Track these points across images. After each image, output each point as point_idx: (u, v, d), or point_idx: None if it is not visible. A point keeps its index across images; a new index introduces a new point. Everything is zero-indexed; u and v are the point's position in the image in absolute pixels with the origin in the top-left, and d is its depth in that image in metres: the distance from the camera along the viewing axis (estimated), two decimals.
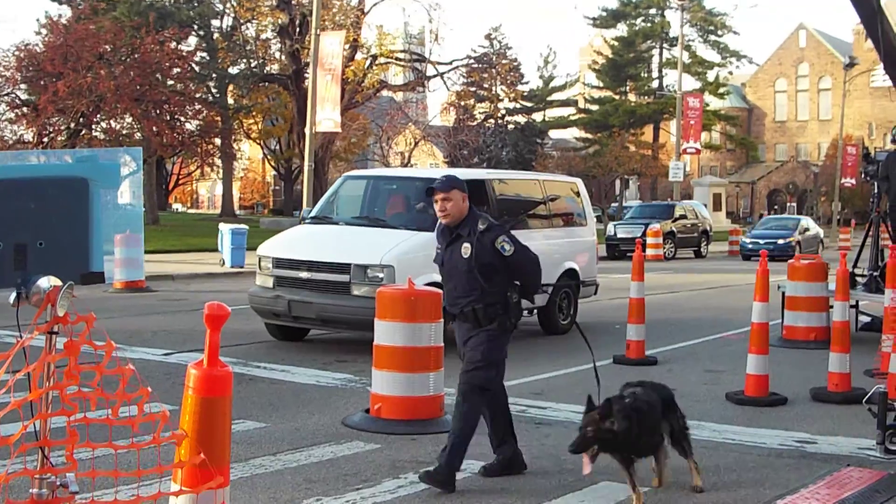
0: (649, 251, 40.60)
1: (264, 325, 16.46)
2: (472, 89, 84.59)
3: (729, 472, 9.04)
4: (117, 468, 3.41)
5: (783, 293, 17.50)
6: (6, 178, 3.30)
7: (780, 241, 46.44)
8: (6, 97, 52.51)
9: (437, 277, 12.89)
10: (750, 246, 46.79)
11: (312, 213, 17.97)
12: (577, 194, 20.05)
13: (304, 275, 15.60)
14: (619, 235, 45.41)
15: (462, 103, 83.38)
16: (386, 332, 10.60)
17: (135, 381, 3.47)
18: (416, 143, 78.10)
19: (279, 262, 15.99)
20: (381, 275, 14.78)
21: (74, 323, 3.08)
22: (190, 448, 3.51)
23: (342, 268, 15.12)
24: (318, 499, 8.01)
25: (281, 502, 7.85)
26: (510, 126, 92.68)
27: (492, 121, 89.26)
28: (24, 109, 51.86)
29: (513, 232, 16.96)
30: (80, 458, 3.35)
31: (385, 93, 76.39)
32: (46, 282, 3.18)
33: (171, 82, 55.24)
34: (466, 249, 8.59)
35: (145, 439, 3.62)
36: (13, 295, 3.31)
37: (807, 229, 49.88)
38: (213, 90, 70.15)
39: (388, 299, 10.68)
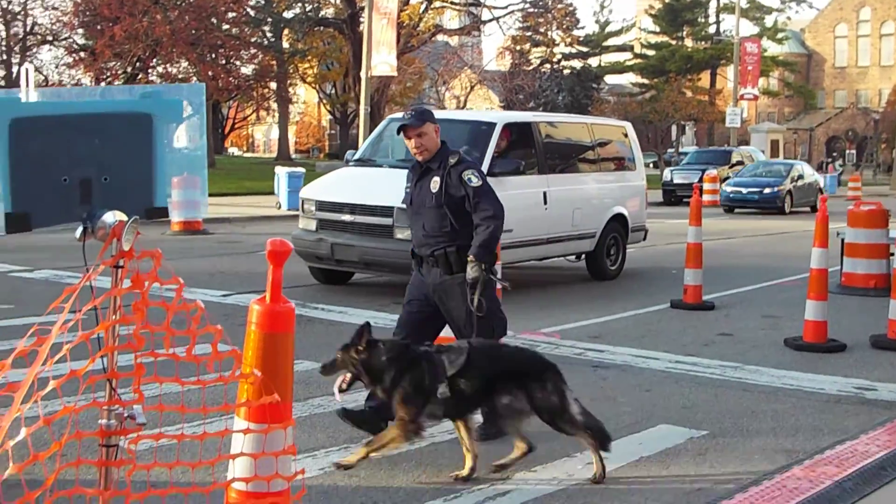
0: (706, 197, 38.99)
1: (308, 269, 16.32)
2: (528, 34, 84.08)
3: (787, 417, 8.98)
4: (184, 404, 3.42)
5: (842, 240, 17.30)
6: (71, 114, 3.32)
7: (767, 191, 40.46)
8: (64, 42, 52.81)
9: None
10: (731, 195, 40.75)
11: (357, 156, 17.70)
12: (627, 138, 19.64)
13: (346, 218, 15.43)
14: (675, 181, 44.44)
15: (517, 48, 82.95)
16: None
17: (197, 319, 3.48)
18: (471, 88, 77.84)
19: (322, 205, 15.82)
20: None
21: (140, 258, 3.09)
22: (258, 387, 3.52)
23: (385, 211, 14.88)
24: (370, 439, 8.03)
25: (339, 441, 7.88)
26: (566, 71, 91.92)
27: (547, 66, 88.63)
28: (82, 54, 52.14)
29: (562, 175, 17.03)
30: (147, 394, 3.36)
31: (440, 37, 76.09)
32: (112, 216, 3.19)
33: (226, 26, 55.29)
34: (435, 183, 8.18)
35: (212, 377, 3.64)
36: (79, 229, 3.32)
37: (800, 176, 42.76)
38: (269, 34, 70.11)
39: None
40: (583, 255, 18.06)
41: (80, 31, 52.79)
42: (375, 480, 7.09)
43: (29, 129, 3.15)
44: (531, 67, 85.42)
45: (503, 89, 79.10)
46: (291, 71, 75.44)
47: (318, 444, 7.87)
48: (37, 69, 52.23)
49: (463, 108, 76.18)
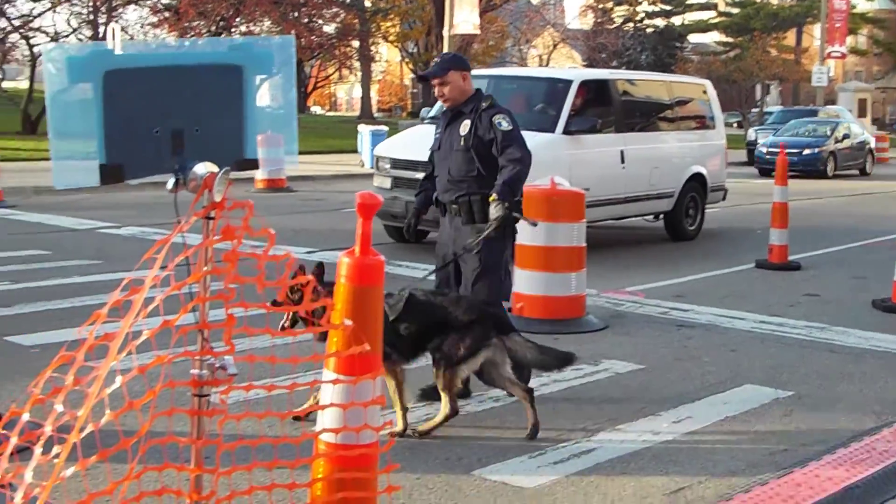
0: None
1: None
2: None
3: (875, 379, 8.87)
4: (274, 356, 3.44)
5: None
6: (162, 65, 3.34)
7: (806, 152, 36.34)
8: (149, 2, 53.17)
9: (558, 180, 12.81)
10: (767, 156, 35.18)
11: (431, 113, 17.24)
12: (706, 96, 19.18)
13: (421, 175, 15.22)
14: (759, 141, 43.81)
15: (600, 6, 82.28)
16: (528, 231, 10.57)
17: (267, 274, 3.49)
18: (554, 47, 77.40)
19: (397, 163, 15.65)
20: None
21: (231, 209, 3.11)
22: (348, 338, 3.53)
23: None
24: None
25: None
26: (649, 30, 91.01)
27: (630, 24, 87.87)
28: (166, 14, 52.49)
29: (640, 134, 16.89)
30: (238, 347, 3.39)
31: None
32: (203, 168, 3.21)
33: None
34: (465, 126, 7.96)
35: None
36: (171, 180, 3.34)
37: (846, 136, 38.50)
38: None
39: (530, 198, 10.63)
40: (661, 215, 17.88)
41: None
42: (461, 436, 7.11)
43: (122, 81, 3.18)
44: (614, 26, 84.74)
45: (586, 48, 78.59)
46: (374, 29, 75.40)
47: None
48: (122, 29, 52.71)
49: (546, 66, 75.76)
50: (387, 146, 16.67)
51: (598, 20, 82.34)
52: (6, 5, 51.97)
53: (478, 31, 42.39)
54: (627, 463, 6.67)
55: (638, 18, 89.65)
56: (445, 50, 35.83)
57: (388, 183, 15.75)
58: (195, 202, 3.16)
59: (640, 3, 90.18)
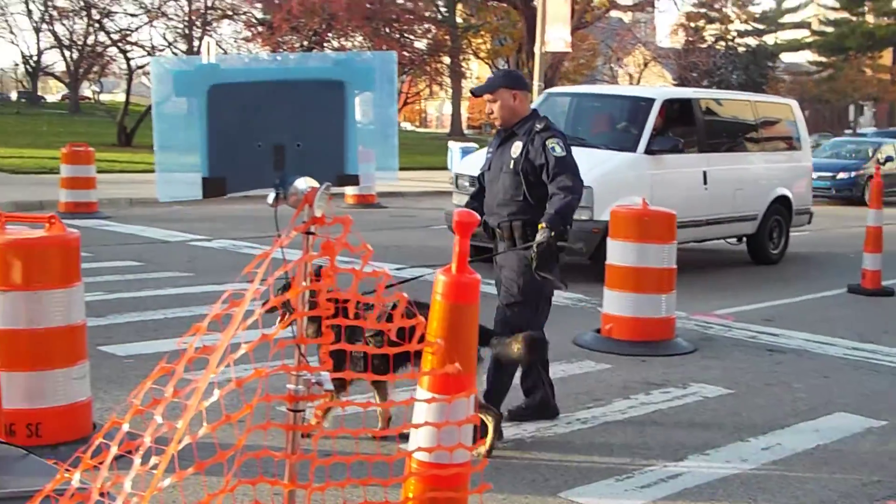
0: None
1: None
2: (702, 10, 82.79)
3: None
4: (370, 371, 3.45)
5: None
6: (266, 80, 3.37)
7: (841, 175, 32.52)
8: (243, 16, 53.73)
9: (639, 200, 12.59)
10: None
11: None
12: (793, 116, 18.68)
13: None
14: None
15: (692, 25, 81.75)
16: (618, 252, 10.54)
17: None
18: (645, 65, 77.07)
19: (476, 181, 15.28)
20: None
21: (331, 224, 3.12)
22: (442, 356, 3.52)
23: None
24: None
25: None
26: (741, 49, 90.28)
27: (722, 43, 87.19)
28: (260, 28, 53.00)
29: (723, 154, 16.58)
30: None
31: (613, 13, 75.42)
32: (304, 183, 3.22)
33: (400, 0, 55.61)
34: (517, 148, 7.51)
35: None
36: (272, 195, 3.37)
37: (890, 158, 33.81)
38: (442, 9, 70.38)
39: (621, 218, 10.61)
40: (743, 238, 17.53)
41: (259, 5, 53.67)
42: (547, 457, 7.09)
43: (226, 95, 3.21)
44: (705, 45, 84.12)
45: (677, 67, 78.07)
46: (465, 46, 75.58)
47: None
48: (217, 43, 53.33)
49: (637, 85, 75.43)
50: (466, 164, 16.56)
51: (690, 39, 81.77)
52: (105, 20, 52.85)
53: (569, 49, 42.23)
54: (715, 490, 6.61)
55: (730, 37, 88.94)
56: (536, 67, 35.79)
57: (465, 201, 15.53)
58: (295, 217, 3.18)
59: (733, 22, 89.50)
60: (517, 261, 7.52)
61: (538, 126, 7.57)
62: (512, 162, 7.56)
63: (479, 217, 3.98)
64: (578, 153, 15.14)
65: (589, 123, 16.77)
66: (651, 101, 15.71)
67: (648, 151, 15.07)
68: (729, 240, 17.62)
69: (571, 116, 16.70)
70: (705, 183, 15.88)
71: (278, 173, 3.31)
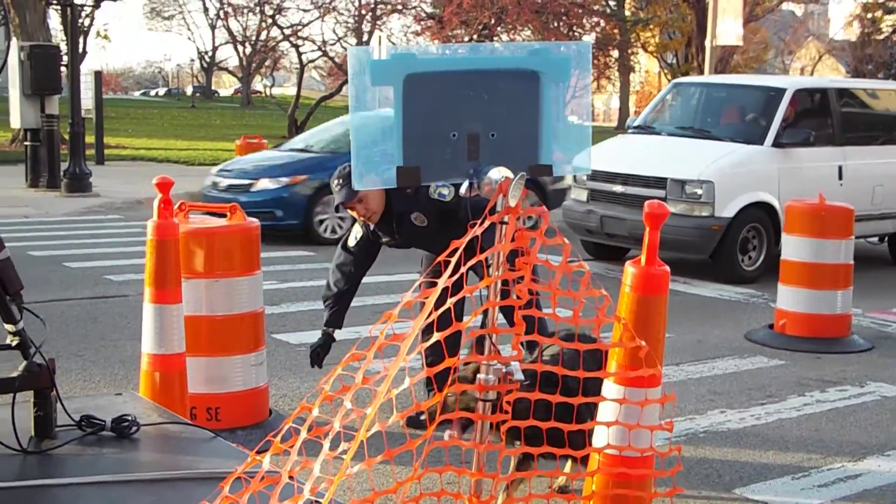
0: None
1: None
2: (880, 0, 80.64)
3: None
4: (562, 365, 3.43)
5: None
6: (461, 70, 3.37)
7: None
8: (412, 10, 54.14)
9: (764, 196, 12.12)
10: None
11: (636, 123, 16.56)
12: None
13: (618, 189, 14.46)
14: None
15: (868, 15, 79.67)
16: (793, 247, 10.38)
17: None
18: (819, 58, 75.49)
19: (594, 175, 14.69)
20: (699, 191, 13.63)
21: (525, 214, 3.11)
22: (633, 352, 3.49)
23: (658, 182, 13.96)
24: (722, 410, 7.95)
25: (686, 412, 7.82)
26: None
27: None
28: (429, 22, 53.35)
29: (862, 148, 15.50)
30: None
31: (786, 5, 74.05)
32: (498, 173, 3.22)
33: None
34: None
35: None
36: (465, 185, 3.37)
37: None
38: (611, 2, 69.92)
39: (797, 213, 10.45)
40: (885, 238, 16.51)
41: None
42: (720, 453, 7.00)
43: (422, 84, 3.22)
44: (882, 36, 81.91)
45: (851, 59, 76.27)
46: (633, 40, 74.98)
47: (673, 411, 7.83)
48: (386, 37, 53.89)
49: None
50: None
51: (866, 31, 79.68)
52: (277, 15, 53.83)
53: (741, 43, 41.59)
54: None
55: None
56: (707, 60, 35.32)
57: (584, 195, 15.12)
58: (489, 206, 3.17)
59: None
60: None
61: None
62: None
63: (669, 210, 3.93)
64: (702, 145, 14.65)
65: (717, 115, 16.18)
66: (782, 91, 15.00)
67: (777, 144, 14.38)
68: (870, 239, 16.61)
69: (700, 108, 16.30)
70: (840, 178, 14.88)
71: (472, 163, 3.31)
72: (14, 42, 24.88)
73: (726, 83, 17.77)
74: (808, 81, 18.94)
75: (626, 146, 15.90)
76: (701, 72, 40.01)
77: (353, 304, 7.42)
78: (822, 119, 15.35)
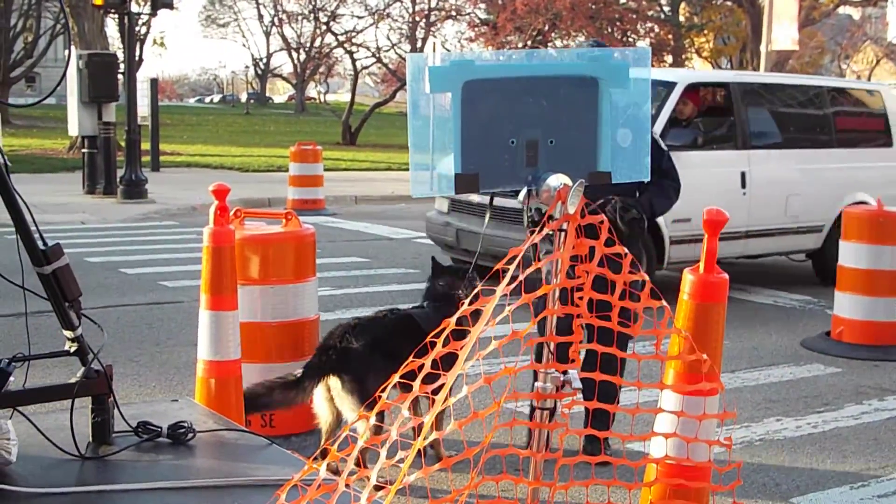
0: None
1: None
2: None
3: None
4: (620, 375, 3.41)
5: None
6: (520, 76, 3.36)
7: None
8: (466, 16, 54.26)
9: None
10: None
11: None
12: (883, 106, 14.81)
13: (475, 198, 12.26)
14: None
15: None
16: (850, 254, 10.27)
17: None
18: (877, 62, 74.86)
19: None
20: None
21: (583, 222, 3.09)
22: (686, 351, 3.45)
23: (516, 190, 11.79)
24: (777, 418, 7.88)
25: (741, 420, 7.76)
26: None
27: None
28: (483, 28, 53.41)
29: (772, 151, 13.57)
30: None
31: (843, 9, 73.44)
32: (556, 180, 3.20)
33: (624, 0, 55.34)
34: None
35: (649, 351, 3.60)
36: (524, 192, 3.36)
37: None
38: (665, 8, 69.71)
39: (854, 219, 10.36)
40: (809, 255, 14.36)
41: (482, 5, 54.11)
42: (777, 461, 6.94)
43: (480, 91, 3.21)
44: None
45: None
46: (687, 45, 74.70)
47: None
48: (441, 44, 53.98)
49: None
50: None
51: None
52: (331, 22, 54.13)
53: (796, 47, 41.29)
54: None
55: None
56: (762, 65, 35.08)
57: (445, 206, 13.28)
58: (549, 213, 3.16)
59: None
60: None
61: None
62: None
63: (727, 216, 3.90)
64: None
65: None
66: (671, 85, 12.78)
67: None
68: (793, 256, 14.57)
69: None
70: (744, 186, 12.91)
71: (531, 170, 3.29)
72: (73, 50, 25.10)
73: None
74: (705, 75, 17.59)
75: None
76: None
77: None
78: (723, 118, 13.65)
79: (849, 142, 14.46)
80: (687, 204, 9.61)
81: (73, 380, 3.56)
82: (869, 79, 73.88)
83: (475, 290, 2.97)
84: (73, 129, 23.87)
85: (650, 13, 60.89)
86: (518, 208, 9.13)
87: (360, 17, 55.42)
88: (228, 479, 3.35)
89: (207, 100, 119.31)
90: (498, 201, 11.21)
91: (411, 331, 6.04)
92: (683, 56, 74.65)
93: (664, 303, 3.10)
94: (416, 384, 2.80)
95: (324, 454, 3.31)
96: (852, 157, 14.31)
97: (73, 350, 3.61)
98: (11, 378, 3.44)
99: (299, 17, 66.47)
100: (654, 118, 12.07)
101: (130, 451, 3.54)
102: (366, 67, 57.79)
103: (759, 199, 13.00)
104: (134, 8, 23.94)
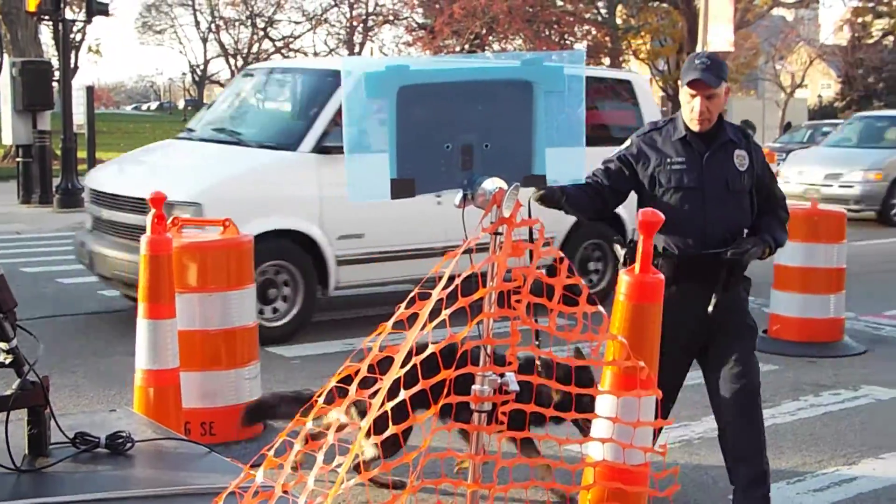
0: None
1: None
2: (871, 5, 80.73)
3: None
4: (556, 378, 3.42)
5: None
6: (455, 81, 3.37)
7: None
8: (404, 21, 54.31)
9: (293, 223, 9.79)
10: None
11: (189, 124, 12.87)
12: (633, 99, 13.15)
13: (105, 214, 10.88)
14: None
15: (859, 20, 79.83)
16: (786, 252, 10.36)
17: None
18: (809, 63, 75.66)
19: (95, 196, 11.19)
20: (188, 216, 9.33)
21: (519, 225, 3.11)
22: (620, 351, 3.49)
23: (138, 204, 9.71)
24: None
25: (680, 418, 7.79)
26: None
27: (891, 38, 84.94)
28: (421, 32, 53.49)
29: None
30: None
31: (776, 10, 74.19)
32: (492, 183, 3.21)
33: (560, 3, 55.57)
34: (742, 158, 5.68)
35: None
36: (459, 195, 3.37)
37: None
38: (602, 10, 70.08)
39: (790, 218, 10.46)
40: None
41: (420, 10, 54.21)
42: (715, 459, 6.96)
43: (415, 96, 3.22)
44: (873, 40, 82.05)
45: (842, 64, 76.45)
46: (624, 47, 75.15)
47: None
48: (378, 48, 54.06)
49: (800, 84, 74.15)
50: (95, 172, 12.60)
51: (856, 35, 79.84)
52: (269, 28, 53.99)
53: (732, 49, 41.63)
54: (893, 495, 6.45)
55: None
56: None
57: (90, 223, 11.47)
58: (483, 217, 3.18)
59: None
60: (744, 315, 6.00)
61: (747, 130, 5.95)
62: (740, 179, 5.69)
63: (662, 217, 3.89)
64: (222, 154, 10.94)
65: (255, 113, 12.55)
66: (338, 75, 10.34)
67: (321, 150, 10.41)
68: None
69: (257, 101, 12.70)
70: (438, 196, 9.10)
71: (466, 174, 3.31)
72: (6, 58, 24.87)
73: (287, 67, 14.38)
74: (381, 63, 16.18)
75: (140, 156, 12.42)
76: None
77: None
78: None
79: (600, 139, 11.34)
80: (350, 220, 9.75)
81: (8, 392, 3.52)
82: (802, 79, 74.68)
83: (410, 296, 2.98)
84: (7, 138, 23.65)
85: (587, 16, 61.19)
86: (127, 223, 8.22)
87: (297, 23, 55.39)
88: (167, 488, 3.33)
89: (144, 107, 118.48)
90: (122, 217, 10.25)
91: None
92: (621, 58, 75.02)
93: (601, 308, 3.13)
94: (352, 389, 2.81)
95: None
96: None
97: (8, 362, 3.57)
98: None
99: (236, 24, 66.13)
100: (315, 115, 10.66)
101: (68, 463, 3.51)
102: None
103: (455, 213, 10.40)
104: (68, 14, 23.78)
